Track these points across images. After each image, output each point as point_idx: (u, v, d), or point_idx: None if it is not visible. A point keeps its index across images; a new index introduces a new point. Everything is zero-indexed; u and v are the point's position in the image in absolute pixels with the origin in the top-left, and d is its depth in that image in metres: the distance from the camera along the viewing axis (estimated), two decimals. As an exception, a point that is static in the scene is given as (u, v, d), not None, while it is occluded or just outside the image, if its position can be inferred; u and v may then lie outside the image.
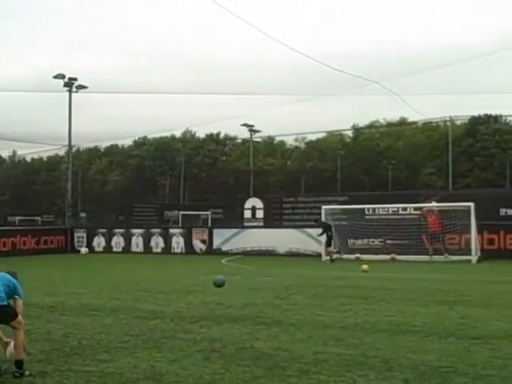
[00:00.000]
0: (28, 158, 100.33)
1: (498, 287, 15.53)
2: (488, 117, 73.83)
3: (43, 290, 14.97)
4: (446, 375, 6.74)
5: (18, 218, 68.51)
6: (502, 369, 7.00)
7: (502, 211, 30.92)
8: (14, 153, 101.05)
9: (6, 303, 7.02)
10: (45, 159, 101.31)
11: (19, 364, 6.91)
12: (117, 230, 36.61)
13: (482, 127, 73.17)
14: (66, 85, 40.20)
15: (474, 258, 25.22)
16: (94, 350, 8.18)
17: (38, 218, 70.59)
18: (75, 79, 40.49)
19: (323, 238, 27.43)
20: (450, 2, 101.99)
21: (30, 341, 8.28)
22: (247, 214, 36.26)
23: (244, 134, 69.14)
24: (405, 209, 29.35)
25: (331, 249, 27.06)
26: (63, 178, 60.49)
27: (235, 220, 38.30)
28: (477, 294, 13.94)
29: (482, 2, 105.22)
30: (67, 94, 40.79)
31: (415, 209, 29.00)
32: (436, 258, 26.05)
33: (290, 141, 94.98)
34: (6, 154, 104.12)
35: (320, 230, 27.37)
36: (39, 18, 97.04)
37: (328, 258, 26.49)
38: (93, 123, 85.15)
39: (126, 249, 34.80)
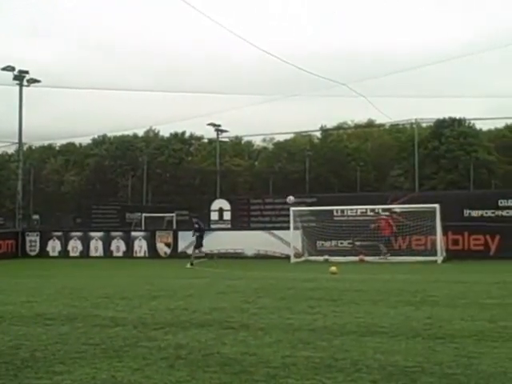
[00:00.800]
0: None
1: (463, 287, 15.67)
2: (453, 120, 74.79)
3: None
4: (413, 375, 6.73)
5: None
6: (467, 367, 7.04)
7: (466, 212, 31.27)
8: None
9: None
10: None
11: None
12: (74, 234, 35.41)
13: (447, 130, 74.03)
14: (15, 78, 38.30)
15: (439, 258, 25.66)
16: (48, 361, 7.69)
17: (-15, 221, 68.27)
18: (26, 72, 38.59)
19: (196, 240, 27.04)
20: (416, 5, 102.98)
21: (-26, 355, 7.85)
22: (214, 215, 35.88)
23: (210, 133, 68.64)
24: (373, 210, 29.47)
25: (197, 252, 26.81)
26: (13, 178, 58.36)
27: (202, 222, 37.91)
28: (443, 293, 14.03)
29: (447, 6, 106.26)
30: (17, 87, 38.76)
31: (383, 210, 29.18)
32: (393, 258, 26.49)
33: (257, 141, 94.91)
34: None
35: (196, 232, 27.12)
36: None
37: (192, 261, 26.04)
38: (46, 120, 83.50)
39: (85, 253, 33.68)
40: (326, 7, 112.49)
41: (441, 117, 73.53)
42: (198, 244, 26.85)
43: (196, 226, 27.40)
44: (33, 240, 35.48)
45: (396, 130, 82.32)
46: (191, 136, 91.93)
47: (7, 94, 43.63)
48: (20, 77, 38.40)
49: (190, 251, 31.20)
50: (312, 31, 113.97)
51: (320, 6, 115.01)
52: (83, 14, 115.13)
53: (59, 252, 34.48)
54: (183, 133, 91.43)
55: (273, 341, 8.68)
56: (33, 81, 38.98)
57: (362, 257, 26.91)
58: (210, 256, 27.20)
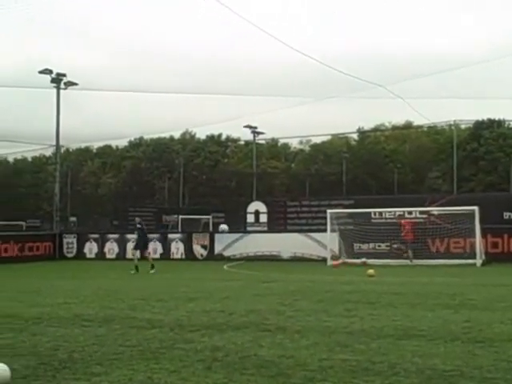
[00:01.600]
0: (10, 159, 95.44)
1: (502, 290, 15.46)
2: (492, 121, 73.97)
3: (27, 301, 14.37)
4: (451, 379, 6.63)
5: (-1, 223, 66.87)
6: (507, 371, 6.91)
7: (506, 215, 30.89)
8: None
9: None
10: (29, 160, 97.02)
11: None
12: (110, 236, 35.59)
13: (486, 131, 73.19)
14: (53, 81, 38.58)
15: (478, 261, 25.28)
16: (86, 362, 7.73)
17: (23, 223, 68.68)
18: (64, 75, 38.83)
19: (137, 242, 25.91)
20: (454, 5, 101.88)
21: (14, 355, 7.89)
22: (250, 218, 35.85)
23: (247, 135, 68.64)
24: (411, 212, 29.19)
25: (138, 254, 25.29)
26: (50, 180, 58.70)
27: (238, 224, 37.95)
28: (482, 297, 13.83)
29: (485, 6, 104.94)
30: (54, 90, 39.00)
31: (421, 212, 28.92)
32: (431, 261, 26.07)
33: (294, 143, 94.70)
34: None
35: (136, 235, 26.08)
36: (25, 10, 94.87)
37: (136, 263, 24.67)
38: (83, 122, 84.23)
39: (121, 255, 33.79)
40: (363, 8, 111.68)
41: (480, 118, 72.71)
42: (139, 246, 25.54)
43: (138, 226, 26.16)
44: (70, 242, 35.76)
45: (434, 131, 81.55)
46: (227, 138, 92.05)
47: (45, 96, 43.99)
48: (57, 80, 38.71)
49: (226, 253, 31.36)
50: (349, 32, 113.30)
51: (357, 6, 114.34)
52: (120, 19, 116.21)
53: (96, 254, 34.76)
54: (219, 135, 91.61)
55: (310, 343, 8.62)
56: (70, 84, 39.27)
57: (364, 260, 26.66)
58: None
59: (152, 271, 23.91)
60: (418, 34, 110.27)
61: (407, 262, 26.60)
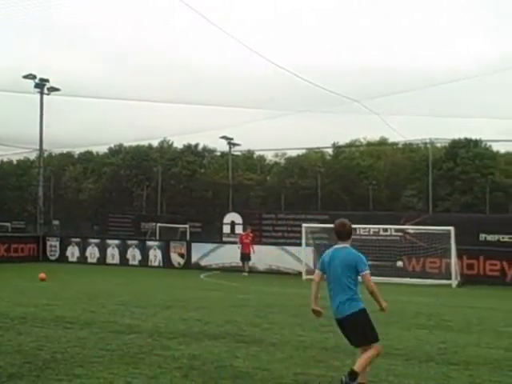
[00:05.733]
0: None
1: (478, 313, 15.46)
2: (468, 141, 74.37)
3: (13, 300, 14.64)
4: None
5: (-15, 224, 66.59)
6: None
7: (482, 236, 30.90)
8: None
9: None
10: (15, 162, 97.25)
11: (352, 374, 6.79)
12: (92, 240, 35.64)
13: (462, 151, 73.62)
14: (36, 86, 38.65)
15: (454, 282, 25.19)
16: (69, 364, 7.93)
17: (8, 224, 68.64)
18: (47, 80, 38.91)
19: None
20: (433, 24, 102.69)
21: (0, 353, 8.00)
22: (226, 228, 35.91)
23: (223, 146, 68.71)
24: (386, 230, 29.35)
25: None
26: (34, 184, 58.74)
27: (214, 234, 37.93)
28: (458, 318, 13.89)
29: (464, 27, 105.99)
30: (38, 95, 38.99)
31: (396, 230, 29.02)
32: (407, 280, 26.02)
33: (269, 156, 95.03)
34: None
35: None
36: (11, 16, 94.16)
37: None
38: (65, 128, 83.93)
39: (102, 260, 33.88)
40: (339, 21, 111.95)
41: (456, 137, 73.23)
42: None
43: None
44: (53, 245, 35.89)
45: (409, 149, 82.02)
46: (204, 148, 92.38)
47: (28, 101, 44.01)
48: (41, 85, 38.81)
49: (203, 263, 31.40)
50: (324, 45, 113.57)
51: (332, 19, 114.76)
52: (105, 26, 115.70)
53: (78, 258, 34.76)
54: (196, 145, 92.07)
55: (284, 357, 8.78)
56: (53, 89, 39.29)
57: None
58: None
59: None
60: (395, 49, 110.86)
61: (386, 279, 26.44)
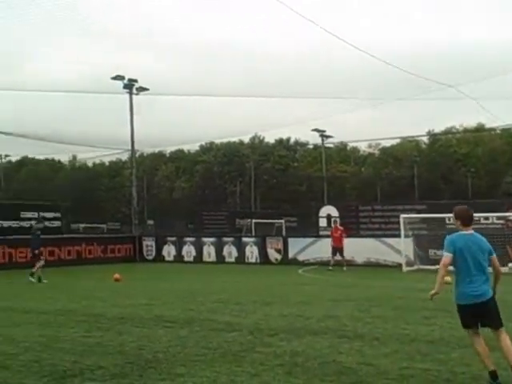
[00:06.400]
0: (89, 163, 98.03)
1: None
2: None
3: (110, 301, 14.93)
4: None
5: (81, 226, 67.73)
6: None
7: None
8: (74, 157, 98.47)
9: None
10: (107, 164, 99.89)
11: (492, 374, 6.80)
12: (187, 239, 35.98)
13: None
14: (125, 86, 39.24)
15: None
16: (170, 363, 7.95)
17: (104, 226, 70.26)
18: (135, 81, 39.49)
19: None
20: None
21: (103, 354, 8.12)
22: (322, 222, 35.60)
23: (315, 139, 68.10)
24: (487, 218, 28.44)
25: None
26: (127, 184, 59.78)
27: (310, 228, 37.70)
28: None
29: None
30: (127, 96, 39.55)
31: (498, 218, 28.08)
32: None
33: (362, 147, 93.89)
34: (65, 159, 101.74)
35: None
36: (93, 19, 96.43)
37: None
38: (155, 127, 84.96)
39: (198, 258, 34.13)
40: (429, 3, 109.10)
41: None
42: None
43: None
44: (149, 245, 36.44)
45: (508, 134, 79.40)
46: (296, 142, 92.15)
47: (118, 102, 44.51)
48: (130, 85, 39.38)
49: (300, 258, 31.30)
50: (416, 30, 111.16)
51: (422, 4, 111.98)
52: (189, 25, 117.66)
53: (174, 256, 35.22)
54: (288, 139, 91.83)
55: (389, 351, 8.55)
56: (141, 89, 39.85)
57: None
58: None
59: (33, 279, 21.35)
60: (492, 29, 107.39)
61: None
